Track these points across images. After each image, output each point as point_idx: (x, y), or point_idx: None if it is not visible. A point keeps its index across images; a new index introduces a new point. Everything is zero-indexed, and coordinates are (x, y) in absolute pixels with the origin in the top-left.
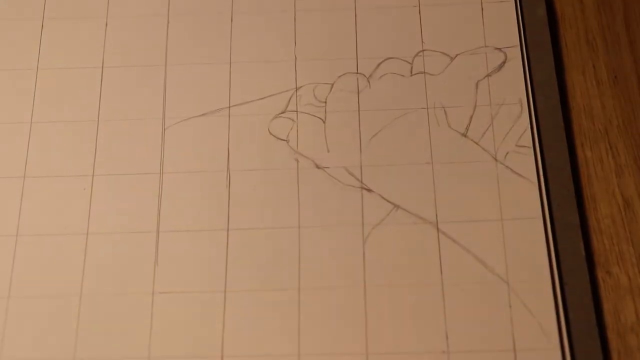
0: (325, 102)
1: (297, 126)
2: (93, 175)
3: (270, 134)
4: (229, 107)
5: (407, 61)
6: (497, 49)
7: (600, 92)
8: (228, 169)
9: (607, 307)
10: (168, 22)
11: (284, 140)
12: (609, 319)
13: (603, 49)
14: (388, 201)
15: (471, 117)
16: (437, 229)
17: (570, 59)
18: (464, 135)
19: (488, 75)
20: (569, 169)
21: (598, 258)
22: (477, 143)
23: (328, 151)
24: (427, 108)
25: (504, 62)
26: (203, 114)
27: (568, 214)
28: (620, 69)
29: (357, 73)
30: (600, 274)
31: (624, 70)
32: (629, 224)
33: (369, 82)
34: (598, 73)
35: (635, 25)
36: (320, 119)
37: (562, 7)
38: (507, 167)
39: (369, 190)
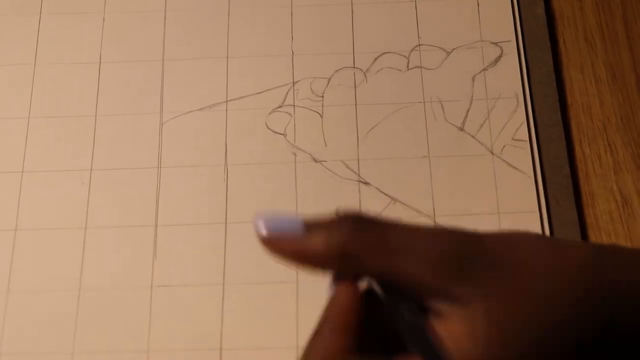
0: (323, 97)
1: (295, 120)
2: (91, 170)
3: (268, 128)
4: (227, 101)
5: (403, 56)
6: (493, 43)
7: (599, 89)
8: (226, 163)
9: None
10: (165, 18)
11: (281, 134)
12: None
13: (601, 47)
14: (385, 194)
15: (468, 111)
16: (434, 222)
17: (568, 57)
18: (461, 129)
19: (484, 70)
20: (567, 165)
21: None
22: (473, 137)
23: (325, 145)
24: (424, 102)
25: (500, 57)
26: (200, 109)
27: (566, 210)
28: (619, 66)
29: (354, 67)
30: None
31: (623, 68)
32: (627, 221)
33: (365, 76)
34: (596, 71)
35: (634, 24)
36: (318, 113)
37: (561, 5)
38: (503, 160)
39: (367, 183)
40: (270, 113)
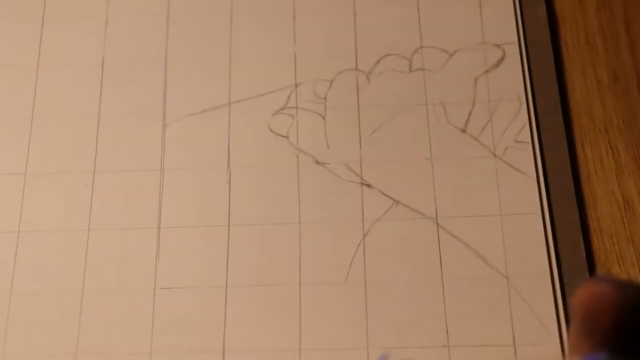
0: (325, 99)
1: (297, 122)
2: (94, 172)
3: (271, 130)
4: (229, 103)
5: (406, 58)
6: (495, 45)
7: (601, 92)
8: (228, 165)
9: None
10: (168, 20)
11: (284, 136)
12: None
13: (603, 50)
14: (388, 196)
15: (470, 113)
16: (437, 224)
17: (570, 59)
18: (463, 131)
19: (486, 72)
20: (569, 167)
21: (598, 257)
22: (476, 139)
23: (328, 147)
24: (427, 104)
25: (502, 59)
26: (203, 111)
27: (568, 212)
28: (621, 69)
29: (356, 70)
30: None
31: (624, 70)
32: (629, 223)
33: (368, 78)
34: (598, 73)
35: (635, 26)
36: (320, 115)
37: (562, 8)
38: (506, 162)
39: (369, 185)
40: (273, 115)
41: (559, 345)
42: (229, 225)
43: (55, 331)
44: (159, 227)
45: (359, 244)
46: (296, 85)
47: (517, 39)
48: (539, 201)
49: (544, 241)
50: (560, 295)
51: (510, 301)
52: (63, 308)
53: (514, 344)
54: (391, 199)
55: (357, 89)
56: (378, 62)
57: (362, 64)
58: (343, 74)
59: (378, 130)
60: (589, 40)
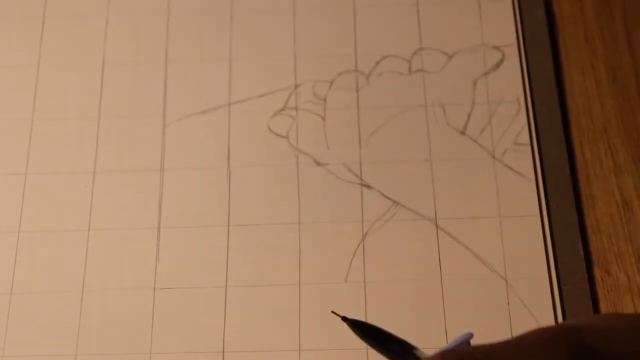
0: (325, 100)
1: (297, 123)
2: (94, 172)
3: (270, 130)
4: (229, 104)
5: (405, 59)
6: (494, 47)
7: (599, 91)
8: (228, 165)
9: (605, 306)
10: (168, 20)
11: (284, 137)
12: None
13: (602, 49)
14: (387, 198)
15: (469, 114)
16: (436, 225)
17: (569, 59)
18: (463, 132)
19: (486, 74)
20: (568, 168)
21: (597, 257)
22: (475, 141)
23: (328, 148)
24: (426, 106)
25: (501, 60)
26: (204, 111)
27: (566, 213)
28: (619, 68)
29: (356, 71)
30: (599, 273)
31: (623, 70)
32: (628, 223)
33: (368, 79)
34: (597, 73)
35: (634, 25)
36: (320, 116)
37: (561, 7)
38: (505, 164)
39: (369, 186)
40: (272, 116)
41: None
42: (228, 226)
43: (55, 331)
44: (159, 228)
45: (359, 244)
46: (296, 86)
47: (516, 41)
48: (537, 203)
49: (543, 243)
50: (557, 297)
51: (508, 303)
52: (63, 308)
53: None
54: (390, 200)
55: (357, 90)
56: (378, 63)
57: (362, 65)
58: (343, 75)
59: (378, 132)
60: (587, 40)
